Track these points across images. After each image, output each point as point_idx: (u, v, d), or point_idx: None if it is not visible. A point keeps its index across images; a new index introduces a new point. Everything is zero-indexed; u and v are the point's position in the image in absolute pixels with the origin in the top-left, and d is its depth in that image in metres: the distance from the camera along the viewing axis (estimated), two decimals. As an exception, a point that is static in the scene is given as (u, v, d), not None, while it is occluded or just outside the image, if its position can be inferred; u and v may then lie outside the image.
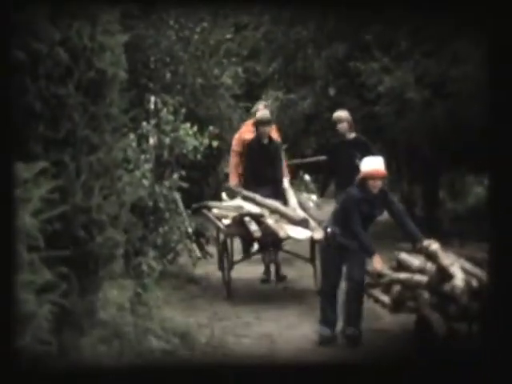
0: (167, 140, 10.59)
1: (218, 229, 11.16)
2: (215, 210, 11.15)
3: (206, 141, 11.11)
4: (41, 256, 5.50)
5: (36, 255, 5.41)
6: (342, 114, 11.62)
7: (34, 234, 5.39)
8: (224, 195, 11.88)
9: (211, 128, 11.63)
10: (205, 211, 11.35)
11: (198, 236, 11.63)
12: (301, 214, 10.63)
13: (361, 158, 10.23)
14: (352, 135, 11.53)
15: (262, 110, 11.72)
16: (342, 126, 11.44)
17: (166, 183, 10.21)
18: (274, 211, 10.57)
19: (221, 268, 11.13)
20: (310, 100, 16.33)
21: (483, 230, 6.78)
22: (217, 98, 15.82)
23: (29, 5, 6.20)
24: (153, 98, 10.85)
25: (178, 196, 10.57)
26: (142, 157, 10.00)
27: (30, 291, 5.19)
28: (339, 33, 15.22)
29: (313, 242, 10.55)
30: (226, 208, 11.03)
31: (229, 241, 10.90)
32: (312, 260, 10.84)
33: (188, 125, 10.89)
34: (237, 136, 12.22)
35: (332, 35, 15.32)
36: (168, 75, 12.47)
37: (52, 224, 5.92)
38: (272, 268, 11.24)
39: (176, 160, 10.76)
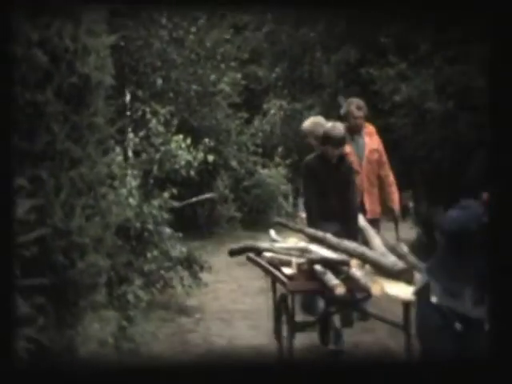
0: (157, 154, 10.61)
1: (276, 281, 8.61)
2: (268, 254, 8.58)
3: (200, 155, 11.14)
4: (17, 285, 5.50)
5: (12, 284, 5.42)
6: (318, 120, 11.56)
7: (9, 260, 5.40)
8: (273, 233, 9.55)
9: (206, 141, 11.67)
10: (251, 255, 8.96)
11: (191, 262, 11.61)
12: (398, 262, 7.84)
13: None
14: None
15: (333, 123, 9.41)
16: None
17: (155, 202, 10.21)
18: (357, 257, 7.95)
19: (277, 335, 8.93)
20: (317, 110, 16.40)
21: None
22: (213, 106, 15.92)
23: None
24: (141, 107, 10.88)
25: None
26: (129, 172, 10.01)
27: (3, 325, 5.18)
28: (351, 35, 15.30)
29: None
30: (285, 251, 8.47)
31: (290, 298, 8.41)
32: (406, 327, 8.20)
33: (181, 137, 10.93)
34: None
35: (343, 37, 15.40)
36: (159, 81, 12.52)
37: (28, 248, 5.92)
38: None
39: (167, 176, 10.77)
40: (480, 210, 5.93)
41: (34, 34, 6.31)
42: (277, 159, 19.62)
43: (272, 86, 18.99)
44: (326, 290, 7.73)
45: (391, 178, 10.20)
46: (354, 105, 10.16)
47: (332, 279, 7.49)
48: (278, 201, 19.73)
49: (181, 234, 11.06)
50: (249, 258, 9.07)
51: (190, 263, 11.38)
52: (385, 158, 10.19)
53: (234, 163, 17.57)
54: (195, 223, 16.20)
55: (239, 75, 17.72)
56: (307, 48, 16.27)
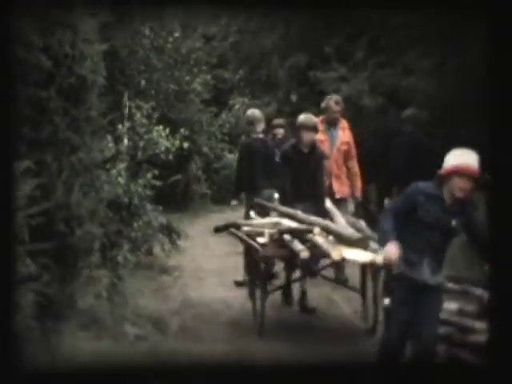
0: (141, 142, 10.56)
1: (250, 249, 8.35)
2: (246, 228, 8.44)
3: (177, 142, 11.11)
4: (25, 248, 5.50)
5: (21, 247, 5.42)
6: (280, 121, 11.76)
7: (20, 227, 5.40)
8: (252, 213, 9.32)
9: (182, 130, 11.63)
10: (233, 230, 8.72)
11: (170, 231, 11.58)
12: (356, 233, 7.81)
13: None
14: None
15: (306, 114, 9.20)
16: (279, 132, 11.34)
17: (140, 181, 10.16)
18: (322, 229, 7.76)
19: (251, 297, 8.55)
20: (273, 106, 16.37)
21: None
22: (188, 102, 15.86)
23: (14, 14, 6.17)
24: (128, 103, 10.84)
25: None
26: (118, 157, 9.96)
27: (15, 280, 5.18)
28: (301, 44, 15.27)
29: (363, 267, 8.25)
30: (261, 225, 8.37)
31: (263, 264, 8.16)
32: (363, 290, 8.39)
33: (161, 127, 10.89)
34: None
35: (294, 46, 15.37)
36: (143, 82, 12.49)
37: (34, 219, 5.91)
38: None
39: (149, 160, 10.73)
40: (426, 185, 5.75)
41: (39, 42, 6.28)
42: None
43: (236, 86, 18.97)
44: (292, 256, 7.62)
45: (356, 169, 10.03)
46: (333, 100, 9.98)
47: (298, 245, 7.41)
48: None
49: (161, 208, 11.03)
50: (230, 232, 8.85)
51: (169, 231, 11.35)
52: (353, 151, 10.02)
53: (205, 149, 17.54)
54: (173, 199, 16.14)
55: (209, 77, 17.69)
56: (265, 55, 16.20)
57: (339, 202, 9.65)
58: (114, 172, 9.60)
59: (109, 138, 9.68)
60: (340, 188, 9.92)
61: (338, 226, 8.06)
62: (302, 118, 8.95)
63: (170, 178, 13.86)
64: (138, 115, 10.53)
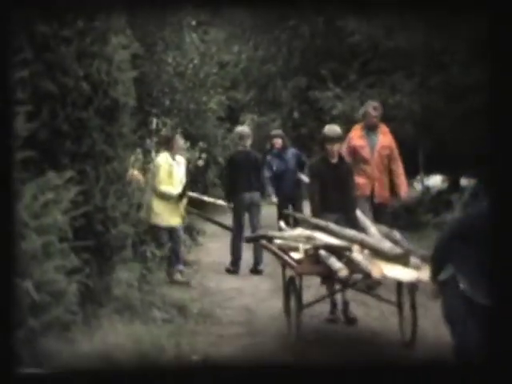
0: (166, 154, 10.56)
1: (285, 264, 7.18)
2: (279, 241, 7.26)
3: (196, 153, 11.14)
4: (69, 245, 5.55)
5: (66, 244, 5.46)
6: (278, 132, 11.90)
7: (64, 228, 5.44)
8: (282, 224, 8.36)
9: (201, 144, 11.67)
10: (264, 242, 7.70)
11: (190, 229, 11.59)
12: (395, 247, 6.59)
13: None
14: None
15: (330, 125, 8.19)
16: (278, 142, 11.52)
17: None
18: (357, 243, 6.63)
19: (286, 311, 7.35)
20: (278, 122, 16.40)
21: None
22: (205, 119, 15.86)
23: (56, 46, 6.24)
24: (155, 120, 10.85)
25: None
26: (147, 166, 9.98)
27: (62, 273, 5.24)
28: (301, 68, 15.32)
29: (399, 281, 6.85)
30: (293, 238, 7.13)
31: (298, 279, 6.90)
32: (399, 303, 7.04)
33: (182, 141, 10.91)
34: (346, 144, 8.96)
35: (296, 70, 15.41)
36: (167, 102, 12.50)
37: (77, 220, 5.96)
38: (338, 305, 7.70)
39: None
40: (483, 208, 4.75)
41: (80, 71, 6.34)
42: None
43: (246, 105, 18.98)
44: (329, 273, 6.47)
45: (400, 169, 9.03)
46: (371, 106, 9.12)
47: (335, 263, 6.28)
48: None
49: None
50: (262, 245, 7.97)
51: (189, 230, 11.39)
52: (396, 154, 9.02)
53: (220, 159, 17.56)
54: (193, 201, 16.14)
55: (223, 97, 17.69)
56: (270, 78, 16.24)
57: (378, 207, 8.93)
58: (143, 180, 9.64)
59: (138, 150, 9.72)
60: (381, 192, 8.99)
61: (374, 239, 6.83)
62: (326, 129, 7.94)
63: (190, 184, 13.84)
64: (164, 131, 10.55)
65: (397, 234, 6.93)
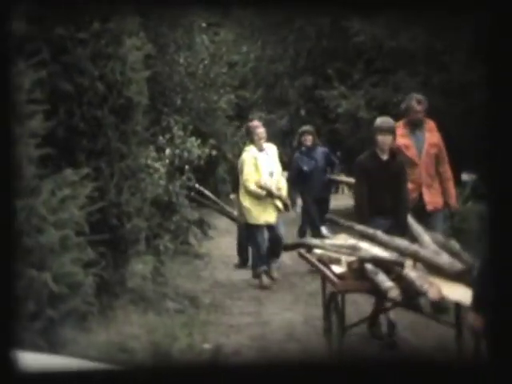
0: (178, 150, 10.59)
1: (325, 279, 6.02)
2: (318, 251, 6.11)
3: (206, 150, 11.12)
4: (86, 239, 5.57)
5: (82, 238, 5.48)
6: (308, 128, 10.54)
7: (81, 222, 5.46)
8: (324, 229, 7.60)
9: (211, 141, 11.67)
10: (302, 252, 6.48)
11: (202, 223, 11.61)
12: (454, 261, 5.31)
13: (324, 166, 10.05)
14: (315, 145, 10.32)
15: (382, 117, 7.07)
16: (308, 138, 10.23)
17: (177, 183, 10.19)
18: (410, 256, 5.51)
19: (326, 331, 6.21)
20: (285, 119, 16.40)
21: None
22: (215, 117, 15.87)
23: (73, 47, 6.26)
24: (167, 119, 10.85)
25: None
26: (160, 163, 10.00)
27: (79, 266, 5.26)
28: (307, 68, 15.31)
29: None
30: (335, 248, 5.96)
31: (340, 296, 5.75)
32: (458, 326, 5.44)
33: (194, 138, 10.92)
34: None
35: (302, 70, 15.39)
36: (179, 101, 12.50)
37: (93, 215, 5.99)
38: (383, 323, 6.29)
39: (184, 165, 10.76)
40: None
41: (95, 71, 6.36)
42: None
43: (254, 104, 18.98)
44: (377, 291, 5.28)
45: (448, 174, 7.54)
46: (415, 99, 7.51)
47: (385, 281, 5.09)
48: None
49: (195, 204, 11.08)
50: (300, 255, 6.63)
51: (201, 224, 11.40)
52: (444, 153, 7.51)
53: (229, 156, 17.56)
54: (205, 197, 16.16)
55: (232, 96, 17.70)
56: (278, 77, 16.23)
57: (431, 216, 7.37)
58: (155, 176, 9.66)
59: (151, 147, 9.73)
60: (432, 199, 7.41)
61: (430, 251, 5.51)
62: (378, 120, 6.88)
63: (202, 180, 13.86)
64: (175, 128, 10.56)
65: (455, 245, 5.66)
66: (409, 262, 5.30)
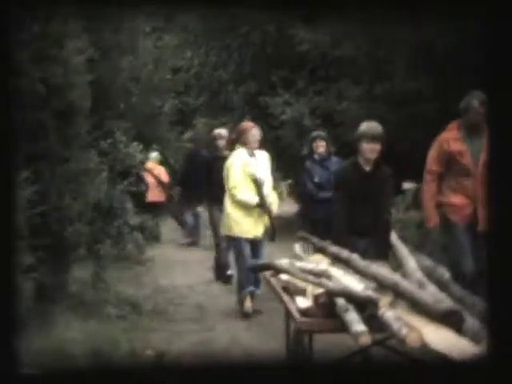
0: (120, 155, 10.51)
1: (288, 314, 4.94)
2: (284, 277, 5.14)
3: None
4: (25, 244, 5.50)
5: (22, 243, 5.41)
6: (321, 133, 9.10)
7: (21, 226, 5.38)
8: (297, 248, 6.16)
9: (154, 146, 11.63)
10: (267, 276, 5.56)
11: (143, 229, 11.55)
12: (442, 297, 4.19)
13: None
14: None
15: (369, 121, 6.17)
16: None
17: (119, 188, 10.12)
18: (389, 287, 4.37)
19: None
20: (229, 125, 16.40)
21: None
22: (159, 123, 15.83)
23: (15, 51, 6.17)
24: (110, 123, 10.77)
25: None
26: (101, 167, 9.91)
27: (17, 270, 5.17)
28: (252, 74, 15.36)
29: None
30: (304, 274, 4.87)
31: (306, 337, 4.80)
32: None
33: (136, 143, 10.87)
34: (436, 146, 6.40)
35: (247, 76, 15.44)
36: (122, 106, 12.44)
37: (33, 219, 5.91)
38: None
39: (126, 170, 10.68)
40: None
41: (36, 73, 6.29)
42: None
43: (198, 109, 18.95)
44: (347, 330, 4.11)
45: None
46: (478, 100, 6.12)
47: (356, 322, 4.04)
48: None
49: (137, 209, 11.03)
50: (265, 279, 5.76)
51: (143, 229, 11.35)
52: None
53: (172, 161, 17.55)
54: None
55: (176, 102, 17.70)
56: (222, 83, 16.23)
57: (482, 238, 5.94)
58: (97, 180, 9.57)
59: (93, 152, 9.64)
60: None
61: (411, 284, 4.35)
62: (364, 125, 6.02)
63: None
64: (118, 133, 10.49)
65: (445, 273, 4.64)
66: (387, 299, 4.21)
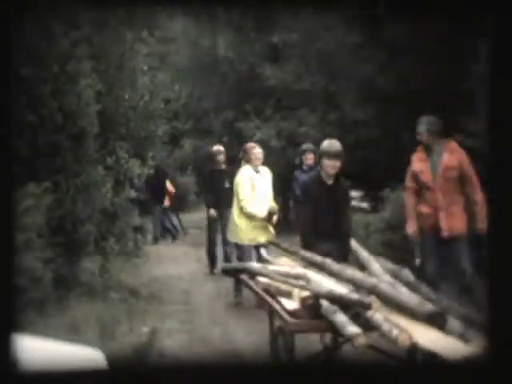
0: (122, 169, 10.49)
1: (274, 314, 4.43)
2: (263, 280, 4.58)
3: (146, 170, 11.09)
4: (46, 241, 5.56)
5: (43, 240, 5.47)
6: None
7: (42, 227, 5.45)
8: (264, 252, 5.91)
9: (149, 162, 11.62)
10: (245, 278, 4.93)
11: (141, 229, 11.54)
12: (423, 300, 3.66)
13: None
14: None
15: (330, 139, 5.75)
16: (310, 157, 8.76)
17: (122, 195, 10.11)
18: (367, 290, 3.91)
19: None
20: (211, 145, 16.47)
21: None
22: (153, 144, 15.82)
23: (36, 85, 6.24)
24: (113, 144, 10.77)
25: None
26: (107, 179, 9.90)
27: (39, 262, 5.25)
28: (230, 104, 15.47)
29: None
30: (282, 278, 4.39)
31: (290, 335, 4.12)
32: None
33: (135, 159, 10.88)
34: (410, 165, 6.14)
35: (225, 106, 15.56)
36: (123, 130, 12.43)
37: (52, 221, 5.97)
38: None
39: (128, 181, 10.68)
40: None
41: (55, 104, 6.34)
42: (188, 171, 20.15)
43: (186, 132, 18.98)
44: (335, 331, 3.73)
45: (475, 197, 5.75)
46: (424, 124, 5.94)
47: (347, 324, 3.55)
48: (190, 198, 20.06)
49: (137, 212, 11.04)
50: (243, 281, 5.08)
51: (140, 229, 11.37)
52: (469, 175, 5.78)
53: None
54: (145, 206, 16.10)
55: (167, 126, 17.67)
56: (205, 112, 16.36)
57: (448, 242, 5.79)
58: (103, 189, 9.57)
59: (100, 167, 9.65)
60: (450, 223, 5.80)
61: (388, 286, 3.90)
62: (325, 143, 5.65)
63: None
64: (120, 152, 10.50)
65: (409, 275, 4.16)
66: (378, 306, 3.68)
